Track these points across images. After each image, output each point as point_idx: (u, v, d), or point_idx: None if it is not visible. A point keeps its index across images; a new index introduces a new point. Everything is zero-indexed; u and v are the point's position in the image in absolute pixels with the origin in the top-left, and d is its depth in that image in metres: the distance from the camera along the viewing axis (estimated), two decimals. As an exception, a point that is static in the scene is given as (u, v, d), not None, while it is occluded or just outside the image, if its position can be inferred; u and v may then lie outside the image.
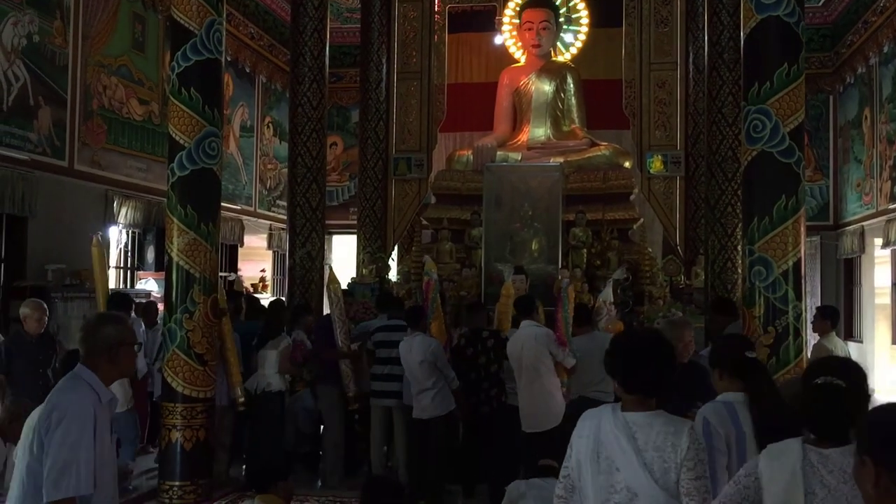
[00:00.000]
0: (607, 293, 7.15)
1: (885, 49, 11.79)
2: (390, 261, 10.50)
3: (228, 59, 12.45)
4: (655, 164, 10.14)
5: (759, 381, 3.08)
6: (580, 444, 2.52)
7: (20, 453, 2.70)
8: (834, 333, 6.77)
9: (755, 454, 2.57)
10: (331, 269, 7.30)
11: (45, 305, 6.34)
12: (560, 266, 9.13)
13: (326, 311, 7.55)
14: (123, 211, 9.82)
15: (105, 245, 9.80)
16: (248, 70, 13.70)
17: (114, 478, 2.79)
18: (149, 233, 10.35)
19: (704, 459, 2.42)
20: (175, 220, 5.82)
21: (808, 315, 5.66)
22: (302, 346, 6.83)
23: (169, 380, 5.77)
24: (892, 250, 11.45)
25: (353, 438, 6.93)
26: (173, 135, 5.86)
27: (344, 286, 9.52)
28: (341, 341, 6.72)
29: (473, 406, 6.30)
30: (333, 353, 6.74)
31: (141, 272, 10.46)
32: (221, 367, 6.29)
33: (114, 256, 10.23)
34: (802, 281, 5.05)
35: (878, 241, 11.98)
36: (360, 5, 11.05)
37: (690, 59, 10.03)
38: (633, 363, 2.49)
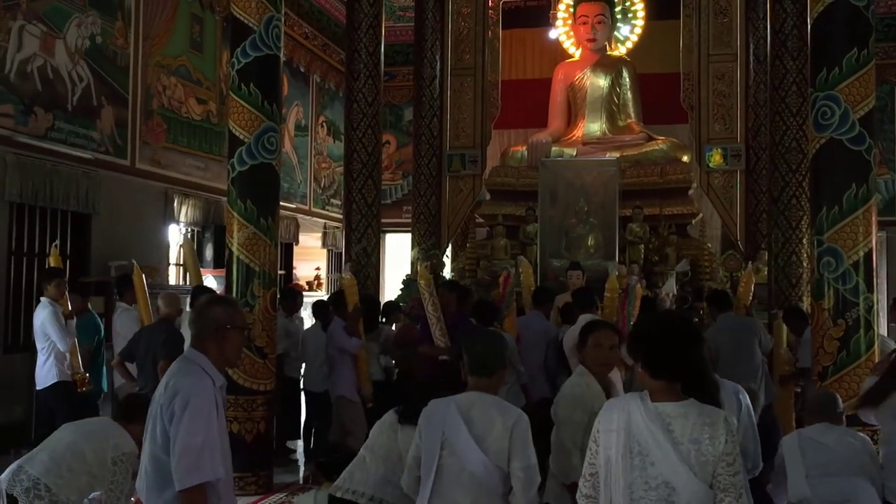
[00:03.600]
0: (670, 285, 7.05)
1: (955, 37, 11.39)
2: (444, 257, 10.48)
3: (284, 58, 12.57)
4: (715, 158, 9.94)
5: None
6: (608, 439, 2.35)
7: (144, 444, 2.66)
8: None
9: None
10: (420, 265, 7.19)
11: (179, 298, 6.50)
12: (617, 262, 9.01)
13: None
14: (183, 209, 9.99)
15: (165, 244, 10.00)
16: (302, 70, 13.82)
17: (230, 464, 2.72)
18: (207, 230, 10.50)
19: (739, 453, 2.29)
20: (235, 214, 5.88)
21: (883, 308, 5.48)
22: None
23: (230, 372, 5.83)
24: (962, 245, 11.06)
25: None
26: (233, 130, 5.92)
27: (398, 283, 9.59)
28: (438, 338, 6.57)
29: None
30: (433, 350, 6.58)
31: (200, 269, 10.60)
32: (343, 359, 6.30)
33: (173, 254, 10.41)
34: (874, 272, 4.88)
35: (948, 236, 11.58)
36: (413, 3, 11.06)
37: (751, 50, 9.81)
38: (656, 345, 2.36)
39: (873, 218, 4.87)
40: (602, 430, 2.39)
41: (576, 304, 6.34)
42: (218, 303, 2.83)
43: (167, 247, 10.10)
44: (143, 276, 6.49)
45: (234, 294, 5.91)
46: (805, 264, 7.71)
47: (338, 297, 7.16)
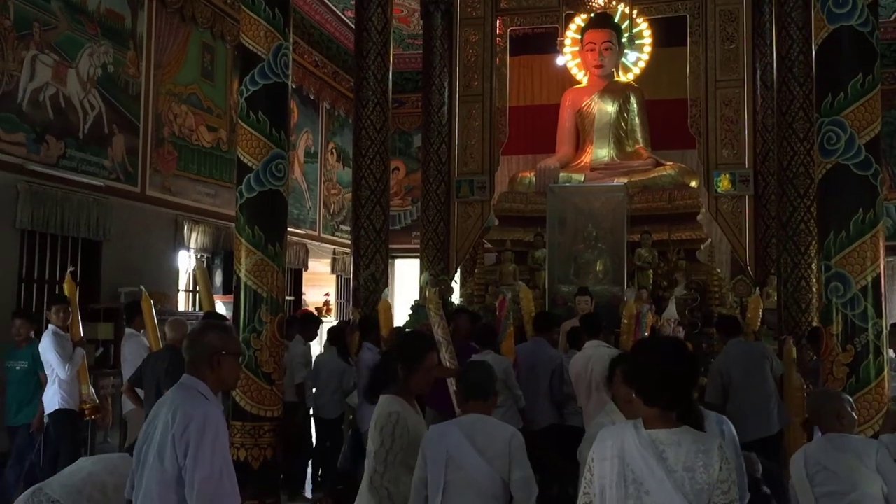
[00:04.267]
0: (671, 311, 7.02)
1: (963, 62, 11.40)
2: (453, 283, 10.48)
3: (293, 86, 12.67)
4: (723, 183, 9.94)
5: None
6: (603, 468, 2.33)
7: (142, 473, 2.60)
8: None
9: None
10: (429, 290, 7.24)
11: (186, 324, 6.51)
12: (626, 286, 8.98)
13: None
14: (193, 235, 10.05)
15: (175, 270, 10.05)
16: (312, 97, 13.95)
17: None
18: (217, 257, 10.56)
19: (736, 480, 2.27)
20: (243, 240, 5.90)
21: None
22: None
23: (237, 398, 5.83)
24: (975, 270, 10.99)
25: None
26: (241, 157, 5.96)
27: (407, 309, 9.59)
28: (448, 360, 6.57)
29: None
30: (443, 370, 6.55)
31: (209, 295, 10.65)
32: None
33: (183, 280, 10.46)
34: (882, 297, 4.85)
35: (960, 261, 11.51)
36: (422, 31, 11.16)
37: (758, 76, 9.84)
38: (651, 372, 2.32)
39: (881, 243, 4.85)
40: (596, 458, 2.37)
41: (584, 329, 6.32)
42: (212, 329, 2.81)
43: (177, 273, 10.16)
44: (152, 302, 6.52)
45: (241, 320, 5.92)
46: (814, 289, 7.68)
47: (367, 322, 7.16)
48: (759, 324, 7.43)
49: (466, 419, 3.22)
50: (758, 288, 7.99)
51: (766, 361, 6.23)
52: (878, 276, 4.83)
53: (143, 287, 6.73)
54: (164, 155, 9.72)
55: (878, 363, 4.75)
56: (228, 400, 5.63)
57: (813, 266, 7.75)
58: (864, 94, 4.90)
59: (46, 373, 6.15)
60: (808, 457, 3.57)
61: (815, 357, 5.66)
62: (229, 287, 8.60)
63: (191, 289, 10.73)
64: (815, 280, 7.72)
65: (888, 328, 4.86)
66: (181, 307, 10.19)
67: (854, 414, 3.73)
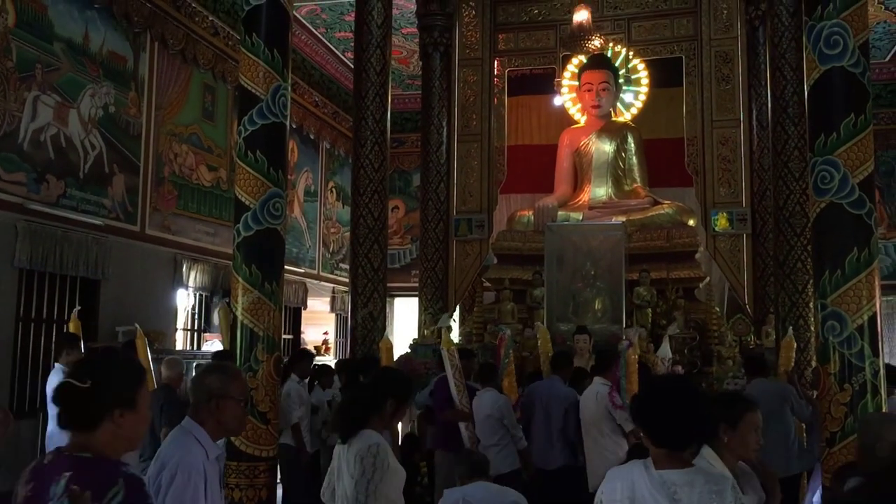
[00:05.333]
0: (665, 350, 7.01)
1: (958, 102, 11.50)
2: (452, 322, 10.46)
3: (293, 125, 12.82)
4: (721, 222, 9.97)
5: None
6: None
7: None
8: None
9: None
10: (443, 330, 7.26)
11: (181, 363, 6.50)
12: (624, 326, 8.97)
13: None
14: (192, 274, 10.07)
15: (174, 309, 10.04)
16: (312, 136, 14.07)
17: None
18: (216, 295, 10.56)
19: None
20: (240, 279, 5.90)
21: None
22: None
23: (232, 438, 5.78)
24: (975, 309, 10.97)
25: None
26: (239, 196, 5.99)
27: (405, 348, 9.57)
28: (460, 402, 6.57)
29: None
30: (456, 414, 6.56)
31: (207, 334, 10.65)
32: None
33: (181, 319, 10.45)
34: (879, 336, 4.84)
35: (960, 300, 11.49)
36: (421, 72, 11.29)
37: (754, 116, 9.92)
38: (658, 412, 2.29)
39: (876, 282, 4.85)
40: (606, 500, 2.33)
41: (596, 366, 6.33)
42: (214, 371, 2.79)
43: (175, 311, 10.15)
44: (147, 340, 6.52)
45: (238, 359, 5.90)
46: (812, 328, 7.65)
47: (368, 362, 7.14)
48: (791, 364, 7.40)
49: (471, 488, 3.54)
50: (790, 328, 7.97)
51: (786, 403, 6.18)
52: (875, 314, 4.82)
53: (137, 325, 6.73)
54: (164, 194, 9.77)
55: (875, 402, 4.73)
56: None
57: (810, 305, 7.74)
58: (856, 133, 4.93)
59: (51, 412, 6.12)
60: None
61: (815, 396, 5.63)
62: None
63: (189, 327, 10.72)
64: (812, 318, 7.71)
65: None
66: (179, 346, 10.16)
67: None
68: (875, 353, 4.77)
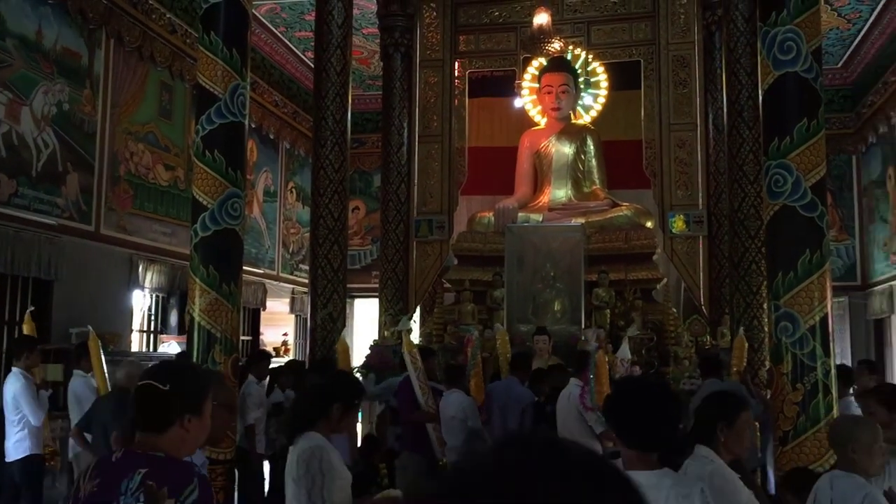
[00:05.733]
0: (624, 351, 7.08)
1: (906, 108, 11.79)
2: (412, 323, 10.45)
3: (253, 125, 12.71)
4: (678, 224, 10.10)
5: None
6: None
7: None
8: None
9: None
10: (404, 333, 7.26)
11: (142, 368, 6.39)
12: (583, 326, 9.04)
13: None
14: (148, 275, 9.92)
15: (129, 310, 9.88)
16: (272, 136, 13.95)
17: None
18: (172, 297, 10.42)
19: None
20: (197, 280, 5.84)
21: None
22: None
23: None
24: (922, 309, 11.25)
25: None
26: (197, 196, 5.92)
27: (366, 349, 9.54)
28: (426, 404, 6.56)
29: None
30: (422, 415, 6.56)
31: (164, 336, 10.50)
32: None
33: (137, 320, 10.29)
34: (830, 337, 4.94)
35: (908, 301, 11.78)
36: (381, 72, 11.27)
37: (710, 119, 10.07)
38: (628, 413, 2.30)
39: (828, 283, 4.95)
40: None
41: (574, 366, 6.37)
42: None
43: (131, 313, 9.99)
44: (101, 342, 6.40)
45: (194, 360, 5.83)
46: (766, 329, 7.79)
47: (325, 363, 7.09)
48: (744, 364, 7.52)
49: None
50: (742, 328, 8.09)
51: None
52: (826, 315, 4.93)
53: (90, 327, 6.61)
54: (120, 193, 9.62)
55: (826, 402, 4.82)
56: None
57: (764, 306, 7.88)
58: (808, 138, 5.03)
59: (9, 418, 6.00)
60: None
61: (769, 396, 5.73)
62: (185, 327, 8.48)
63: (145, 329, 10.56)
64: (766, 319, 7.85)
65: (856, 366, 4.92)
66: (135, 347, 10.01)
67: None
68: (826, 353, 4.87)
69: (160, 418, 2.22)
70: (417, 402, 6.55)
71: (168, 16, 10.55)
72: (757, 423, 6.66)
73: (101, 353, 6.30)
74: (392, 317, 10.17)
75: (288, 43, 13.64)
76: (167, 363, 2.55)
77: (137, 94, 10.04)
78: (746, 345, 7.72)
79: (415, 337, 10.15)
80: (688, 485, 2.24)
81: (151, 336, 10.63)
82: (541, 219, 10.65)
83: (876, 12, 12.00)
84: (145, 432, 2.25)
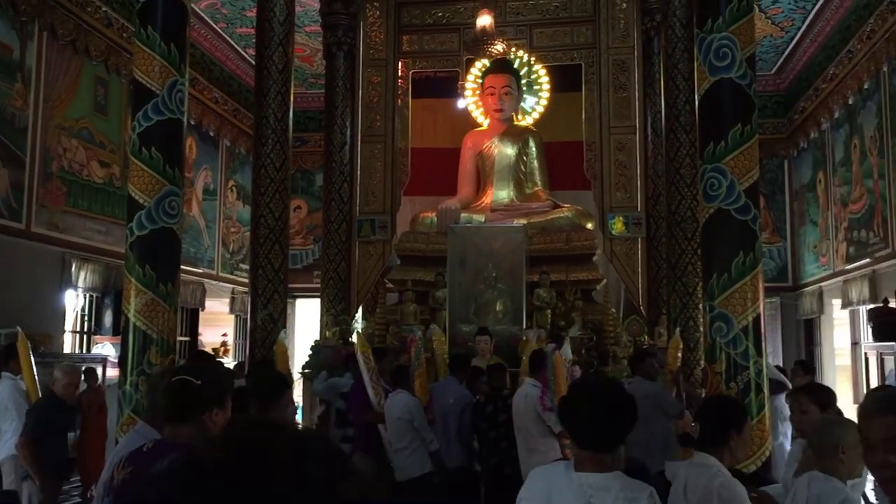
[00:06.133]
0: (566, 351, 7.15)
1: (836, 115, 12.18)
2: (354, 323, 10.40)
3: (192, 122, 12.49)
4: (617, 226, 10.25)
5: None
6: None
7: None
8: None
9: None
10: (359, 333, 7.21)
11: (80, 371, 6.25)
12: (524, 326, 9.12)
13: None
14: (82, 274, 9.66)
15: (62, 310, 9.62)
16: (211, 134, 13.72)
17: None
18: (107, 296, 10.17)
19: None
20: (133, 280, 5.73)
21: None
22: None
23: (119, 439, 5.60)
24: (850, 311, 11.62)
25: None
26: (133, 194, 5.81)
27: (307, 349, 9.45)
28: (379, 405, 6.53)
29: (495, 467, 6.20)
30: (374, 416, 6.51)
31: (98, 336, 10.25)
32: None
33: (70, 320, 10.02)
34: (762, 337, 5.08)
35: (837, 302, 12.16)
36: (324, 71, 11.18)
37: (649, 123, 10.24)
38: (580, 414, 2.30)
39: (760, 285, 5.09)
40: (524, 498, 2.34)
41: (530, 366, 6.40)
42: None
43: (63, 313, 9.72)
44: (30, 344, 6.23)
45: (129, 362, 5.72)
46: (701, 329, 7.97)
47: (263, 366, 7.00)
48: (678, 363, 7.66)
49: None
50: (678, 329, 8.24)
51: (658, 402, 6.38)
52: (759, 316, 5.07)
53: (19, 328, 6.43)
54: (52, 190, 9.35)
55: (759, 400, 4.96)
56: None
57: (700, 306, 8.05)
58: (742, 142, 5.17)
59: None
60: None
61: (703, 394, 5.87)
62: (119, 328, 8.30)
63: (78, 330, 10.29)
64: (702, 319, 8.03)
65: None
66: (67, 349, 9.74)
67: None
68: (759, 352, 5.01)
69: (191, 411, 2.41)
70: (370, 403, 6.54)
71: (104, 9, 10.30)
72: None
73: (31, 355, 6.13)
74: (334, 317, 10.09)
75: (229, 39, 13.44)
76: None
77: (71, 89, 9.78)
78: (681, 345, 7.88)
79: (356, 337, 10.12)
80: (636, 489, 2.24)
81: (85, 337, 10.36)
82: (483, 220, 10.71)
83: (808, 21, 12.37)
84: (175, 423, 2.43)
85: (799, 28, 12.69)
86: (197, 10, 11.93)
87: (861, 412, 2.06)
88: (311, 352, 9.63)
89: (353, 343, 9.58)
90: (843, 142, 11.95)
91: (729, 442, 3.00)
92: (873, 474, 2.06)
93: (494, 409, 6.31)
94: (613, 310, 9.71)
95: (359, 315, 10.79)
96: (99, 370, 8.61)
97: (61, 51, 9.54)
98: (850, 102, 11.55)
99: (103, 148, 10.36)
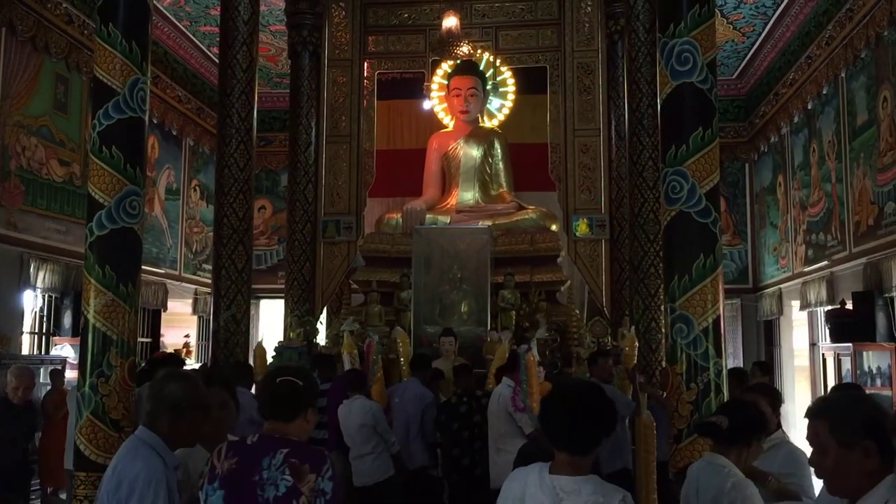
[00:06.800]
0: (532, 352, 7.19)
1: (796, 119, 12.39)
2: (318, 324, 10.36)
3: (154, 121, 12.35)
4: (581, 227, 10.33)
5: None
6: None
7: None
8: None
9: None
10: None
11: (33, 374, 6.11)
12: (489, 327, 9.14)
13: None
14: (41, 274, 9.51)
15: (20, 311, 9.45)
16: (174, 133, 13.58)
17: None
18: (66, 297, 10.01)
19: None
20: (92, 280, 5.63)
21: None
22: None
23: (82, 447, 5.50)
24: (808, 312, 11.83)
25: None
26: (92, 193, 5.71)
27: (271, 350, 9.38)
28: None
29: (467, 468, 6.19)
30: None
31: (57, 338, 10.08)
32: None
33: (28, 321, 9.85)
34: (722, 338, 5.14)
35: (796, 304, 12.37)
36: (289, 70, 11.12)
37: (613, 126, 10.34)
38: (556, 416, 2.32)
39: (720, 286, 5.15)
40: (501, 499, 2.37)
41: (505, 366, 6.42)
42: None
43: (21, 314, 9.55)
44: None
45: (88, 363, 5.62)
46: (663, 330, 8.05)
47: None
48: (634, 361, 7.74)
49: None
50: (633, 327, 8.31)
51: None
52: (718, 317, 5.13)
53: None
54: (10, 189, 9.18)
55: (718, 401, 5.01)
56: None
57: (662, 308, 8.14)
58: (703, 146, 5.22)
59: None
60: None
61: (664, 395, 5.93)
62: (79, 329, 8.17)
63: (37, 331, 10.11)
64: (663, 321, 8.11)
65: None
66: (25, 350, 9.57)
67: None
68: (718, 353, 5.07)
69: (293, 410, 2.67)
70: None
71: (64, 5, 10.14)
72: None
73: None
74: (298, 318, 10.05)
75: (192, 37, 13.30)
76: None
77: (30, 86, 9.61)
78: (637, 343, 7.95)
79: (321, 338, 10.08)
80: (608, 493, 2.24)
81: (43, 338, 10.18)
82: (448, 221, 10.72)
83: (769, 27, 12.57)
84: (275, 421, 2.67)
85: (760, 33, 12.89)
86: (160, 7, 11.80)
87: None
88: (274, 353, 9.57)
89: (317, 344, 9.59)
90: (803, 146, 12.16)
91: (750, 446, 3.04)
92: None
93: (469, 409, 6.32)
94: (577, 311, 9.78)
95: (323, 316, 10.75)
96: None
97: (20, 47, 9.38)
98: (809, 107, 11.76)
99: (63, 146, 10.21)
